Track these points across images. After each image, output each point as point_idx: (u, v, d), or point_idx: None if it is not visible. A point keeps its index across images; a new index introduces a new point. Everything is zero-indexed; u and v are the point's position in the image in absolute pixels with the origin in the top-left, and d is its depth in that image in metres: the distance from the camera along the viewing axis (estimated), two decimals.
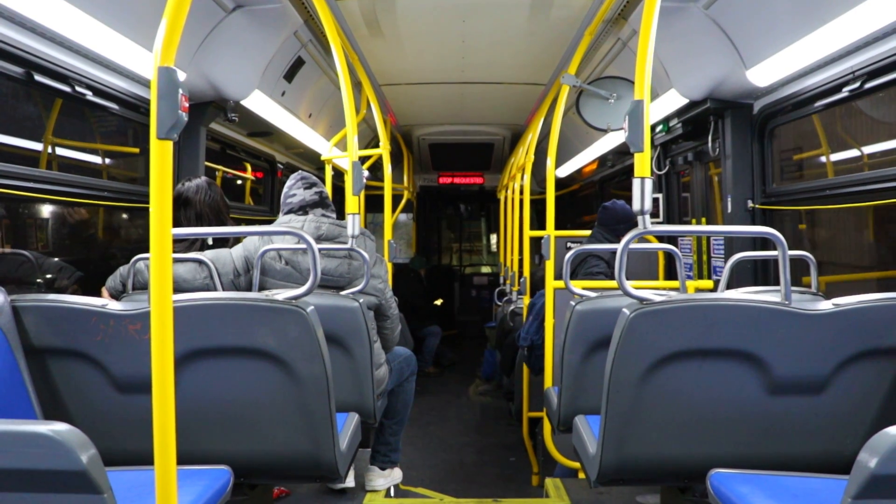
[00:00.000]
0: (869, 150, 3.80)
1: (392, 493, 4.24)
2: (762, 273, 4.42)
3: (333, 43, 3.43)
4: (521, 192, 6.51)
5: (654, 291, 2.64)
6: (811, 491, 2.11)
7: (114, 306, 2.39)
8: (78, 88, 3.41)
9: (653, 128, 5.36)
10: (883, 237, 3.85)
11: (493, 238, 13.60)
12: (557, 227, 4.77)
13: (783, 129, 4.36)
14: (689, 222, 5.74)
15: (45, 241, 3.92)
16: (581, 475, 4.31)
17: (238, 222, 5.65)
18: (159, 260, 1.64)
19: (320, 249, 2.92)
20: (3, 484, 1.38)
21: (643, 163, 2.30)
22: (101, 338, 2.36)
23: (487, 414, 8.24)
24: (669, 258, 5.52)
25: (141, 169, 4.49)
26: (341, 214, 3.60)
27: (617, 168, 7.57)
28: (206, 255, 3.21)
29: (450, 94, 7.07)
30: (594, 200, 8.99)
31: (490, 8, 4.51)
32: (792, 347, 2.32)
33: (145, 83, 3.91)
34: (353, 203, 3.35)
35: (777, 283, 2.37)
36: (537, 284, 6.17)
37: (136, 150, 4.45)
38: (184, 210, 3.49)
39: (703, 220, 5.44)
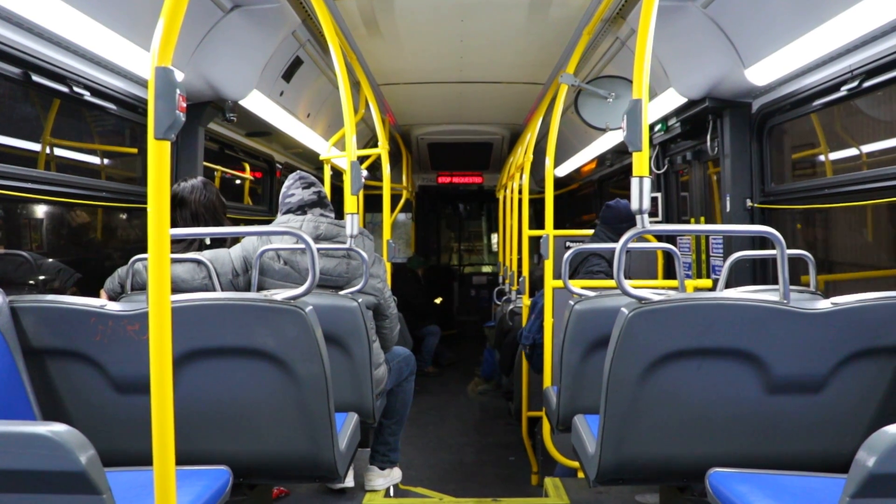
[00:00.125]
0: (867, 148, 3.80)
1: (391, 493, 4.24)
2: (761, 272, 4.42)
3: (332, 42, 3.42)
4: (520, 192, 6.50)
5: (653, 291, 2.64)
6: (810, 490, 2.11)
7: (112, 307, 2.39)
8: (76, 89, 3.41)
9: (651, 127, 5.36)
10: (882, 236, 3.85)
11: (494, 238, 13.59)
12: (556, 227, 4.77)
13: (782, 127, 4.36)
14: (687, 221, 5.74)
15: (44, 242, 3.92)
16: (580, 474, 4.31)
17: (236, 222, 5.66)
18: (157, 260, 1.64)
19: (319, 249, 2.92)
20: (2, 485, 1.38)
21: (642, 162, 2.30)
22: (99, 338, 2.36)
23: (487, 413, 8.24)
24: (668, 257, 5.52)
25: (139, 169, 4.48)
26: (340, 214, 3.60)
27: (616, 167, 7.57)
28: (204, 256, 3.21)
29: (448, 94, 7.06)
30: (593, 200, 8.99)
31: (488, 7, 4.51)
32: (791, 346, 2.32)
33: (143, 83, 3.91)
34: (352, 203, 3.35)
35: (776, 282, 2.37)
36: (536, 284, 6.17)
37: (134, 150, 4.44)
38: (179, 210, 3.49)
39: (702, 219, 5.44)
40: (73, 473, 1.35)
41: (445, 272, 13.36)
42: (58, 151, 3.77)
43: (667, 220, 5.89)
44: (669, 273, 5.59)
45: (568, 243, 5.65)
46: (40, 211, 3.79)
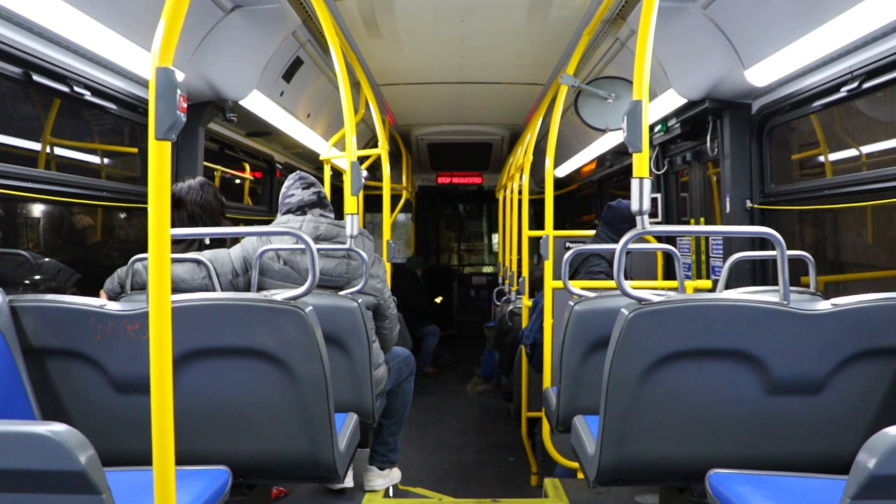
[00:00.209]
0: (867, 149, 3.81)
1: (391, 493, 4.24)
2: (761, 273, 4.42)
3: (332, 43, 3.42)
4: (520, 192, 6.50)
5: (653, 291, 2.64)
6: (810, 491, 2.11)
7: (112, 306, 2.39)
8: (76, 88, 3.41)
9: (651, 128, 5.36)
10: (882, 237, 3.85)
11: (495, 238, 13.59)
12: (556, 227, 4.78)
13: (782, 128, 4.36)
14: (687, 222, 5.74)
15: (44, 241, 3.92)
16: (580, 475, 4.31)
17: (236, 222, 5.66)
18: (157, 260, 1.64)
19: (319, 249, 2.92)
20: (2, 484, 1.38)
21: (642, 163, 2.30)
22: (99, 338, 2.36)
23: (486, 414, 8.24)
24: (668, 258, 5.52)
25: (139, 169, 4.48)
26: (340, 214, 3.60)
27: (615, 168, 7.57)
28: (204, 256, 3.21)
29: (448, 94, 7.07)
30: (593, 200, 8.99)
31: (488, 8, 4.51)
32: (790, 347, 2.32)
33: (144, 83, 3.91)
34: (352, 203, 3.35)
35: (776, 282, 2.37)
36: (536, 284, 6.18)
37: (135, 150, 4.45)
38: (176, 211, 3.49)
39: (702, 220, 5.44)
40: (73, 473, 1.35)
41: (445, 272, 13.36)
42: (58, 151, 3.77)
43: (667, 220, 5.89)
44: (669, 274, 5.59)
45: (568, 244, 5.66)
46: (40, 210, 3.79)
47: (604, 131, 5.06)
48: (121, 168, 4.59)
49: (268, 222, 4.46)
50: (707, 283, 4.45)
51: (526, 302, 5.86)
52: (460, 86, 6.68)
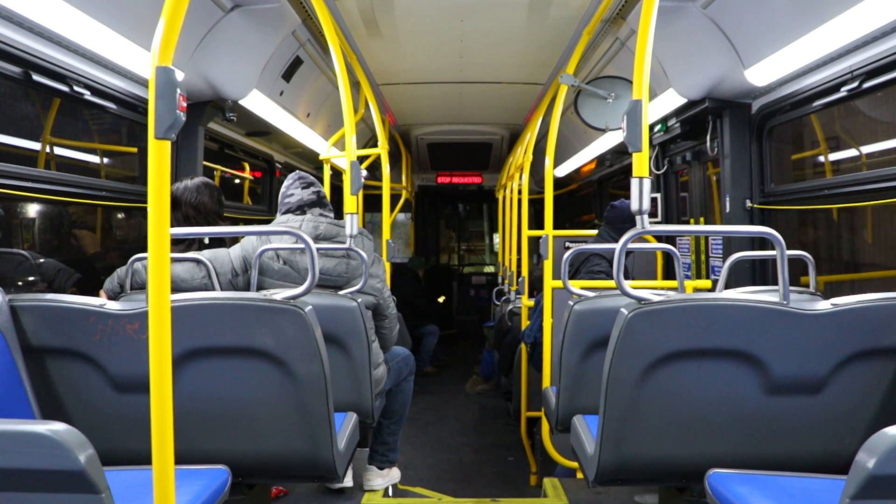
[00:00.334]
0: (867, 149, 3.81)
1: (390, 493, 4.24)
2: (760, 273, 4.42)
3: (332, 42, 3.42)
4: (520, 192, 6.50)
5: (653, 291, 2.64)
6: (809, 491, 2.11)
7: (112, 306, 2.39)
8: (76, 88, 3.41)
9: (651, 127, 5.36)
10: (882, 237, 3.85)
11: (496, 238, 13.59)
12: (556, 227, 4.78)
13: (781, 128, 4.36)
14: (687, 222, 5.74)
15: (44, 241, 3.92)
16: (580, 475, 4.31)
17: (236, 222, 5.66)
18: (157, 260, 1.64)
19: (318, 249, 2.92)
20: (2, 484, 1.38)
21: (641, 163, 2.30)
22: (99, 337, 2.36)
23: (486, 413, 8.24)
24: (668, 258, 5.52)
25: (139, 168, 4.48)
26: (339, 214, 3.60)
27: (615, 167, 7.57)
28: (204, 255, 3.21)
29: (448, 94, 7.07)
30: (592, 200, 9.00)
31: (488, 7, 4.51)
32: (790, 347, 2.32)
33: (143, 83, 3.91)
34: (352, 203, 3.35)
35: (776, 282, 2.37)
36: (535, 284, 6.18)
37: (134, 149, 4.45)
38: (173, 211, 3.49)
39: (702, 219, 5.44)
40: (72, 472, 1.35)
41: (445, 272, 13.36)
42: (58, 150, 3.77)
43: (666, 220, 5.89)
44: (669, 273, 5.59)
45: (567, 243, 5.65)
46: (40, 210, 3.79)
47: (604, 131, 5.06)
48: (120, 167, 4.59)
49: (267, 222, 4.46)
50: (707, 283, 4.45)
51: (525, 302, 5.86)
52: (460, 85, 6.68)
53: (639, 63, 2.33)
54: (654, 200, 5.78)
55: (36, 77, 3.12)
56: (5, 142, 3.36)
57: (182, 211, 3.48)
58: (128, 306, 2.39)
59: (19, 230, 3.74)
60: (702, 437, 2.41)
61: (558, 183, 9.45)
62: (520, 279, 6.27)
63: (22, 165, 3.24)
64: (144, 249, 1.69)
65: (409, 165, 10.41)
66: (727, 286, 3.33)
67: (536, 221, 11.11)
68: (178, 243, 3.37)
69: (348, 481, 3.99)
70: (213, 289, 3.14)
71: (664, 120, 5.22)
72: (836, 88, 3.52)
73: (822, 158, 4.11)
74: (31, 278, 3.59)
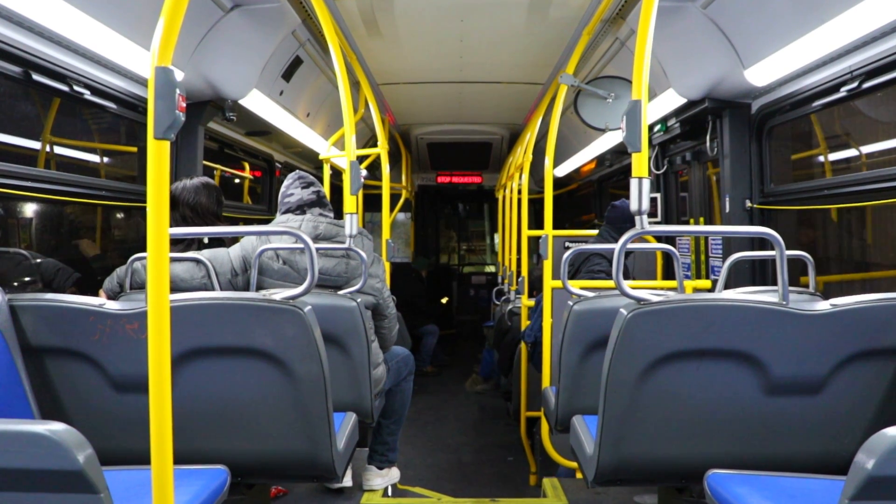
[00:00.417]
0: (867, 149, 3.81)
1: (389, 493, 4.24)
2: (760, 273, 4.42)
3: (331, 42, 3.42)
4: (520, 192, 6.50)
5: (652, 291, 2.64)
6: (808, 492, 2.11)
7: (111, 306, 2.39)
8: (76, 88, 3.41)
9: (651, 127, 5.36)
10: (882, 237, 3.85)
11: (496, 237, 13.59)
12: (555, 227, 4.78)
13: (781, 128, 4.36)
14: (687, 222, 5.74)
15: (43, 240, 3.92)
16: (579, 475, 4.31)
17: (236, 221, 5.65)
18: (156, 259, 1.64)
19: (318, 249, 2.91)
20: (1, 483, 1.38)
21: (641, 163, 2.30)
22: (98, 337, 2.36)
23: (485, 413, 8.25)
24: (668, 258, 5.52)
25: (138, 168, 4.48)
26: (339, 214, 3.60)
27: (615, 167, 7.57)
28: (203, 255, 3.21)
29: (448, 94, 7.07)
30: (592, 200, 9.00)
31: (488, 7, 4.51)
32: (789, 348, 2.31)
33: (143, 82, 3.90)
34: (351, 202, 3.35)
35: (775, 282, 2.37)
36: (535, 284, 6.18)
37: (134, 148, 4.45)
38: (171, 210, 3.48)
39: (702, 219, 5.44)
40: (71, 472, 1.35)
41: (444, 272, 13.37)
42: (58, 150, 3.76)
43: (666, 220, 5.89)
44: (669, 273, 5.59)
45: (567, 243, 5.65)
46: (40, 209, 3.79)
47: (603, 131, 5.06)
48: (120, 167, 4.59)
49: (267, 221, 4.47)
50: (706, 283, 4.45)
51: (525, 301, 5.86)
52: (460, 85, 6.68)
53: (638, 63, 2.33)
54: (653, 200, 5.78)
55: (36, 77, 3.12)
56: (5, 141, 3.36)
57: (179, 211, 3.47)
58: (127, 306, 2.39)
59: (18, 230, 3.74)
60: (701, 438, 2.41)
61: (558, 183, 9.45)
62: (519, 279, 6.27)
63: (22, 165, 3.24)
64: (144, 249, 1.69)
65: (409, 165, 10.41)
66: (727, 286, 3.33)
67: (536, 221, 11.11)
68: (177, 243, 3.36)
69: (347, 481, 3.99)
70: (212, 289, 3.14)
71: (664, 120, 5.22)
72: (836, 88, 3.52)
73: (821, 158, 4.11)
74: (30, 278, 3.59)
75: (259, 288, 3.24)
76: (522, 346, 5.63)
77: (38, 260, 3.68)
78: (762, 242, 4.34)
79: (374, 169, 8.96)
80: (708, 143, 4.75)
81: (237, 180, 6.55)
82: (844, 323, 2.31)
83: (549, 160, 4.66)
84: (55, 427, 1.35)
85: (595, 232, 5.48)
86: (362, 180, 5.19)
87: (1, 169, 3.01)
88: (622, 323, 2.31)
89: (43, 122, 3.58)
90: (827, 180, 3.89)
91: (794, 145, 4.48)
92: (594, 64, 5.33)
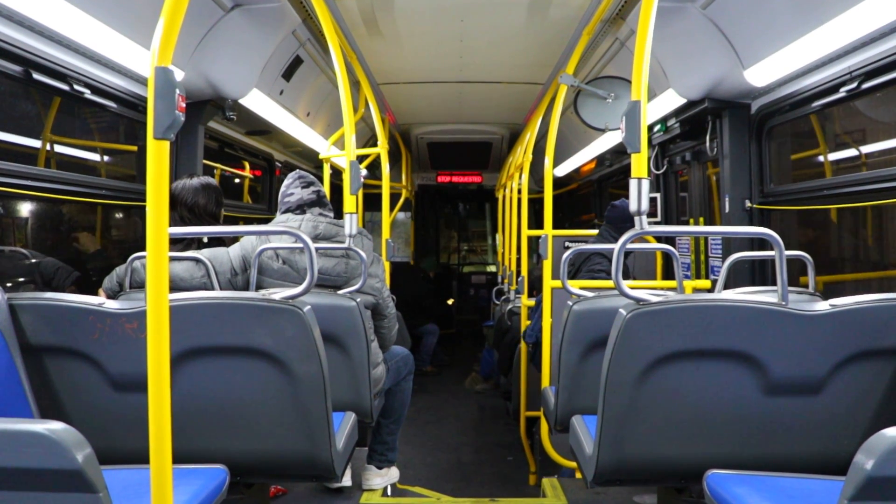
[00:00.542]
0: (867, 149, 3.81)
1: (389, 493, 4.24)
2: (760, 273, 4.42)
3: (331, 42, 3.42)
4: (520, 192, 6.50)
5: (651, 292, 2.64)
6: (807, 492, 2.11)
7: (110, 305, 2.39)
8: (76, 87, 3.41)
9: (650, 127, 5.36)
10: (882, 237, 3.85)
11: (498, 237, 13.59)
12: (555, 227, 4.78)
13: (781, 128, 4.36)
14: (686, 222, 5.74)
15: (43, 239, 3.92)
16: (578, 475, 4.31)
17: (235, 220, 5.65)
18: (156, 258, 1.64)
19: (317, 249, 2.92)
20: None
21: (640, 163, 2.30)
22: (97, 336, 2.36)
23: (485, 413, 8.25)
24: (667, 258, 5.52)
25: (138, 167, 4.48)
26: (339, 213, 3.60)
27: (615, 167, 7.57)
28: (203, 254, 3.20)
29: (448, 93, 7.07)
30: (592, 200, 9.00)
31: (488, 7, 4.51)
32: (789, 348, 2.31)
33: (143, 81, 3.90)
34: (351, 202, 3.35)
35: (775, 283, 2.37)
36: (535, 283, 6.18)
37: (134, 147, 4.45)
38: (171, 210, 3.47)
39: (701, 219, 5.44)
40: (70, 471, 1.35)
41: (445, 271, 13.37)
42: (58, 149, 3.76)
43: (666, 220, 5.89)
44: (668, 274, 5.59)
45: (567, 243, 5.65)
46: (40, 208, 3.79)
47: (603, 131, 5.06)
48: (120, 166, 4.59)
49: (267, 221, 4.46)
50: (706, 284, 4.45)
51: (525, 301, 5.86)
52: (460, 85, 6.68)
53: (638, 63, 2.33)
54: (653, 200, 5.79)
55: (36, 76, 3.13)
56: (6, 140, 3.36)
57: (177, 211, 3.46)
58: (126, 305, 2.39)
59: (16, 228, 3.74)
60: (700, 438, 2.41)
61: (558, 183, 9.45)
62: (519, 279, 6.27)
63: (22, 164, 3.24)
64: (143, 248, 1.69)
65: (409, 165, 10.41)
66: (726, 286, 3.33)
67: (536, 221, 11.11)
68: (177, 242, 3.36)
69: (347, 481, 3.99)
70: (212, 288, 3.14)
71: (664, 120, 5.22)
72: (836, 89, 3.52)
73: (821, 158, 4.11)
74: (29, 277, 3.59)
75: (259, 287, 3.24)
76: (522, 345, 5.63)
77: (38, 259, 3.68)
78: (762, 242, 4.34)
79: (374, 168, 8.95)
80: (707, 144, 4.75)
81: (237, 179, 6.56)
82: (844, 323, 2.31)
83: (548, 160, 4.66)
84: (54, 426, 1.35)
85: (595, 232, 5.48)
86: (362, 180, 5.19)
87: (1, 168, 3.01)
88: (621, 323, 2.31)
89: (43, 121, 3.58)
90: (827, 180, 3.89)
91: (794, 145, 4.48)
92: (594, 64, 5.34)
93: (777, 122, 4.26)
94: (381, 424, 4.12)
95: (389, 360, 3.89)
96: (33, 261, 3.64)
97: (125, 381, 2.39)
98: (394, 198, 7.73)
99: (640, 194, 2.27)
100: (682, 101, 4.62)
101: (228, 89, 4.39)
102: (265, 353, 2.39)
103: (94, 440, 1.42)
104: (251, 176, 6.71)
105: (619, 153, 7.07)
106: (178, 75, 3.88)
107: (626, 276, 4.90)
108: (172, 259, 3.06)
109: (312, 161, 7.43)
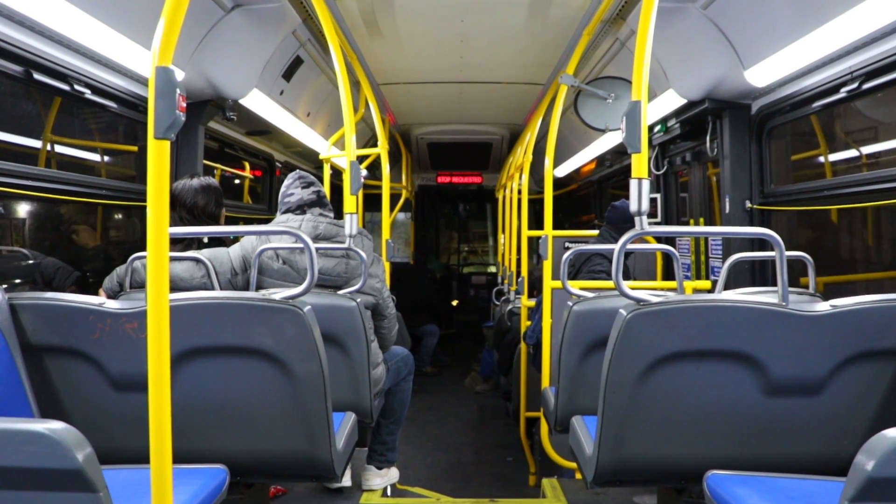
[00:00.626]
0: (867, 150, 3.81)
1: (388, 493, 4.24)
2: (760, 274, 4.42)
3: (332, 42, 3.42)
4: (520, 192, 6.50)
5: (651, 292, 2.64)
6: (808, 493, 2.11)
7: (111, 305, 2.39)
8: (77, 87, 3.41)
9: (651, 128, 5.36)
10: (882, 237, 3.85)
11: (499, 238, 13.59)
12: (555, 227, 4.78)
13: (781, 129, 4.36)
14: (687, 222, 5.74)
15: (43, 239, 3.92)
16: (578, 475, 4.31)
17: (236, 221, 5.65)
18: (156, 258, 1.64)
19: (318, 249, 2.91)
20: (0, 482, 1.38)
21: (640, 164, 2.30)
22: (98, 336, 2.36)
23: (485, 413, 8.25)
24: (668, 258, 5.52)
25: (138, 167, 4.48)
26: (339, 213, 3.60)
27: (615, 168, 7.57)
28: (203, 254, 3.20)
29: (448, 94, 7.07)
30: (592, 200, 9.00)
31: (488, 7, 4.51)
32: (789, 349, 2.31)
33: (144, 81, 3.90)
34: (351, 202, 3.35)
35: (776, 283, 2.37)
36: (535, 284, 6.18)
37: (134, 147, 4.45)
38: (171, 210, 3.46)
39: (702, 220, 5.44)
40: (70, 471, 1.35)
41: (445, 272, 13.38)
42: (58, 149, 3.76)
43: (666, 221, 5.89)
44: (668, 274, 5.59)
45: (567, 244, 5.65)
46: (40, 208, 3.79)
47: (603, 131, 5.06)
48: (121, 166, 4.59)
49: (267, 221, 4.46)
50: (706, 284, 4.45)
51: (525, 302, 5.86)
52: (460, 85, 6.68)
53: (638, 64, 2.33)
54: (653, 201, 5.79)
55: (37, 76, 3.13)
56: (6, 140, 3.36)
57: (177, 212, 3.46)
58: (127, 305, 2.39)
59: (17, 228, 3.74)
60: (700, 439, 2.41)
61: (558, 183, 9.44)
62: (519, 279, 6.27)
63: (22, 164, 3.24)
64: (144, 248, 1.69)
65: (409, 165, 10.41)
66: (726, 287, 3.33)
67: (536, 221, 11.11)
68: (177, 242, 3.36)
69: (347, 481, 3.99)
70: (212, 288, 3.14)
71: (664, 120, 5.22)
72: (836, 89, 3.52)
73: (821, 159, 4.11)
74: (29, 277, 3.59)
75: (259, 287, 3.24)
76: (522, 346, 5.63)
77: (38, 259, 3.67)
78: (762, 243, 4.33)
79: (374, 169, 8.96)
80: (708, 144, 4.75)
81: (237, 180, 6.56)
82: (844, 324, 2.31)
83: (549, 160, 4.66)
84: (54, 426, 1.35)
85: (595, 232, 5.48)
86: (362, 180, 5.19)
87: (1, 168, 3.01)
88: (622, 323, 2.31)
89: (44, 121, 3.58)
90: (827, 181, 3.89)
91: (794, 146, 4.48)
92: (594, 64, 5.33)
93: (777, 123, 4.26)
94: (380, 425, 4.12)
95: (389, 361, 3.89)
96: (34, 261, 3.64)
97: (125, 380, 2.39)
98: (394, 198, 7.73)
99: (640, 195, 2.27)
100: (682, 101, 4.62)
101: (229, 89, 4.39)
102: (265, 353, 2.39)
103: (94, 440, 1.42)
104: (251, 176, 6.71)
105: (620, 153, 7.07)
106: (179, 75, 3.87)
107: (627, 277, 4.90)
108: (173, 259, 3.06)
109: (312, 161, 7.43)
